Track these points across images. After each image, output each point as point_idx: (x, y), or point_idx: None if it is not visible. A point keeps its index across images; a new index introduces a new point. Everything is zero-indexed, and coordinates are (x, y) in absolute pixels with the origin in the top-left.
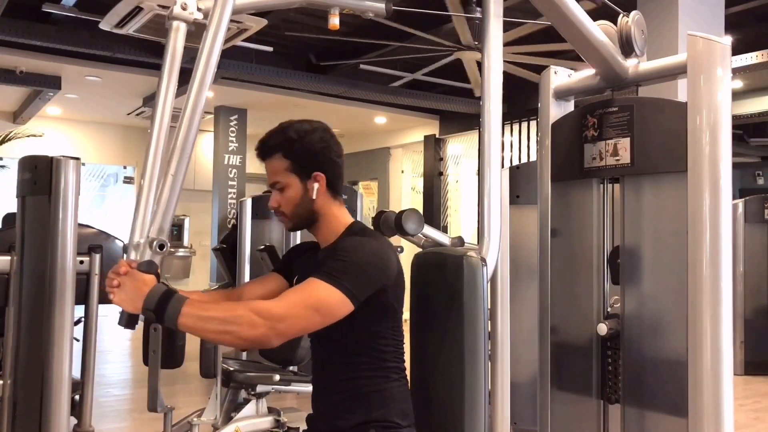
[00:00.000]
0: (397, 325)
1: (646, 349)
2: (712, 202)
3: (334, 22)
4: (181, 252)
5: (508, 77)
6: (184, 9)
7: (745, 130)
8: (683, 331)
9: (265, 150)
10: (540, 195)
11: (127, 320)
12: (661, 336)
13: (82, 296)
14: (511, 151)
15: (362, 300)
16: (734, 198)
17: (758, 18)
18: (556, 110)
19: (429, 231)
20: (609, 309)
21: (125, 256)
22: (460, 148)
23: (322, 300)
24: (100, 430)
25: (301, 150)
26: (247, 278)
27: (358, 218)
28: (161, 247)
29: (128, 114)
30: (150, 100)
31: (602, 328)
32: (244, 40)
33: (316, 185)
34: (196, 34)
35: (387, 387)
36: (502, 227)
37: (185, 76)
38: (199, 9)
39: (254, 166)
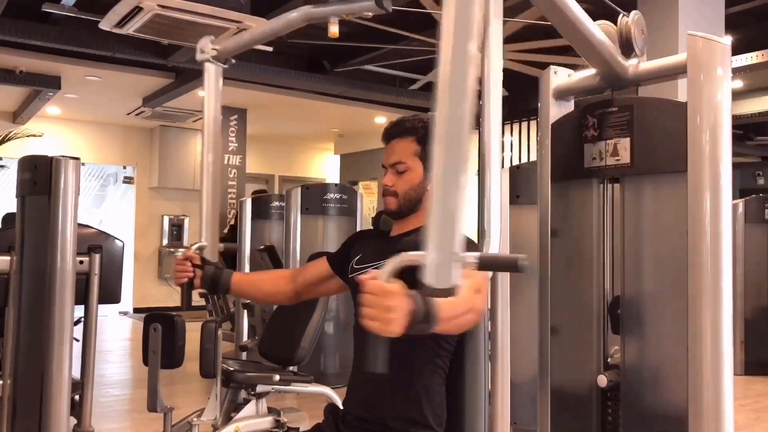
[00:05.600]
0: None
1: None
2: (712, 202)
3: (334, 30)
4: (180, 252)
5: (508, 77)
6: (203, 52)
7: (745, 130)
8: (683, 331)
9: (399, 130)
10: (540, 195)
11: (384, 352)
12: (662, 337)
13: (82, 296)
14: (511, 151)
15: None
16: (734, 198)
17: (758, 18)
18: (556, 110)
19: None
20: (609, 357)
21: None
22: None
23: (485, 278)
24: (100, 430)
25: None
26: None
27: (358, 218)
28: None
29: (128, 114)
30: (150, 100)
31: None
32: None
33: None
34: (195, 33)
35: (432, 388)
36: (502, 227)
37: (185, 75)
38: (214, 48)
39: (254, 166)
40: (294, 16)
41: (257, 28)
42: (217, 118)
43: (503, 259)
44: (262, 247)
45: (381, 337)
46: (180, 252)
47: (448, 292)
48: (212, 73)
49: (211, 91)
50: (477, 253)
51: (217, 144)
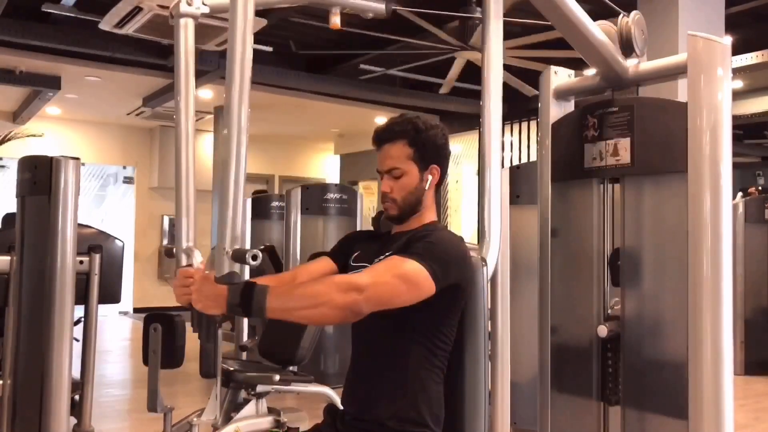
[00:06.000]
0: (453, 330)
1: (646, 351)
2: (712, 202)
3: (335, 21)
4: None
5: (520, 76)
6: (189, 5)
7: (745, 130)
8: (683, 333)
9: (390, 134)
10: (540, 195)
11: (207, 325)
12: (661, 338)
13: (82, 296)
14: (511, 151)
15: (443, 286)
16: (734, 198)
17: (758, 18)
18: (556, 110)
19: None
20: (609, 311)
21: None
22: (459, 148)
23: (409, 272)
24: (100, 430)
25: (427, 141)
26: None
27: (358, 218)
28: (254, 258)
29: (128, 114)
30: (150, 100)
31: (602, 330)
32: None
33: (430, 177)
34: (200, 33)
35: (429, 387)
36: (502, 227)
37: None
38: (204, 3)
39: (254, 166)
40: None
41: None
42: (194, 95)
43: (238, 252)
44: (262, 247)
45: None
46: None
47: (225, 279)
48: (190, 31)
49: (188, 56)
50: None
51: (193, 130)
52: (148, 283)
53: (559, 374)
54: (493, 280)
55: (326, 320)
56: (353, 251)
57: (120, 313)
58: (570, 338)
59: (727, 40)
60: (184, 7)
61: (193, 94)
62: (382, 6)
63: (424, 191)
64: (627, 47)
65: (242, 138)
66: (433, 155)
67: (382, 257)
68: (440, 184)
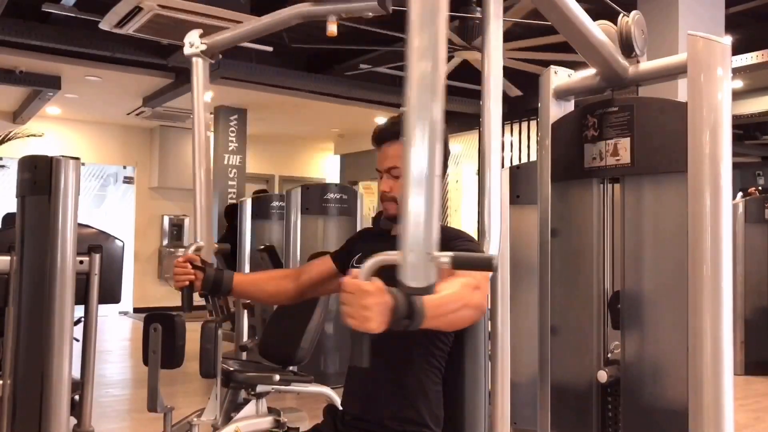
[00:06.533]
0: (452, 332)
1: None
2: (712, 202)
3: (332, 29)
4: (180, 252)
5: (507, 76)
6: (191, 46)
7: (745, 129)
8: (683, 329)
9: (390, 134)
10: (540, 195)
11: (367, 347)
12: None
13: (82, 296)
14: (511, 151)
15: None
16: (734, 198)
17: (758, 18)
18: (556, 110)
19: None
20: (609, 352)
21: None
22: (459, 148)
23: (485, 276)
24: (100, 430)
25: None
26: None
27: (358, 218)
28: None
29: (128, 114)
30: (150, 99)
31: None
32: None
33: None
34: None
35: (428, 387)
36: (502, 227)
37: (185, 75)
38: (204, 43)
39: (254, 166)
40: (289, 13)
41: (249, 24)
42: (206, 115)
43: (476, 259)
44: (262, 247)
45: (364, 333)
46: (180, 252)
47: (425, 291)
48: (200, 68)
49: (198, 87)
50: (450, 253)
51: (207, 141)
52: (148, 283)
53: (560, 368)
54: (493, 280)
55: (468, 322)
56: (355, 252)
57: (120, 313)
58: (571, 334)
59: (727, 40)
60: (186, 50)
61: (205, 122)
62: (374, 3)
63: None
64: (627, 47)
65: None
66: None
67: None
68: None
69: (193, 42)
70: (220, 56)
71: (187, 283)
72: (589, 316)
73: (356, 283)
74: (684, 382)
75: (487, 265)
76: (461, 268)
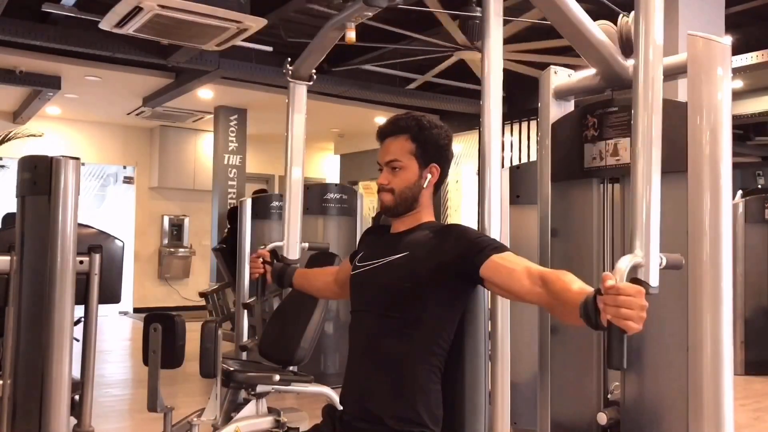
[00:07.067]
0: (452, 330)
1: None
2: (712, 202)
3: (351, 36)
4: (180, 252)
5: (507, 76)
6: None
7: (745, 129)
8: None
9: (394, 128)
10: (540, 195)
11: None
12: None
13: (82, 296)
14: (511, 151)
15: None
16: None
17: (758, 18)
18: (556, 110)
19: None
20: (609, 393)
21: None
22: (459, 147)
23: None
24: (100, 430)
25: (430, 139)
26: (247, 278)
27: (358, 218)
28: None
29: (128, 114)
30: (150, 99)
31: None
32: (244, 40)
33: (429, 176)
34: (195, 33)
35: (427, 386)
36: (502, 227)
37: (185, 75)
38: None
39: (254, 166)
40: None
41: (323, 40)
42: (301, 135)
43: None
44: (262, 247)
45: (623, 333)
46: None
47: (653, 290)
48: (297, 91)
49: (294, 109)
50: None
51: (300, 159)
52: (148, 283)
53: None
54: None
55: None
56: (359, 251)
57: (120, 313)
58: (571, 334)
59: (727, 40)
60: (288, 78)
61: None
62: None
63: (421, 188)
64: (627, 47)
65: None
66: (434, 154)
67: (383, 260)
68: (439, 185)
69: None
70: (314, 76)
71: (258, 275)
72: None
73: (636, 287)
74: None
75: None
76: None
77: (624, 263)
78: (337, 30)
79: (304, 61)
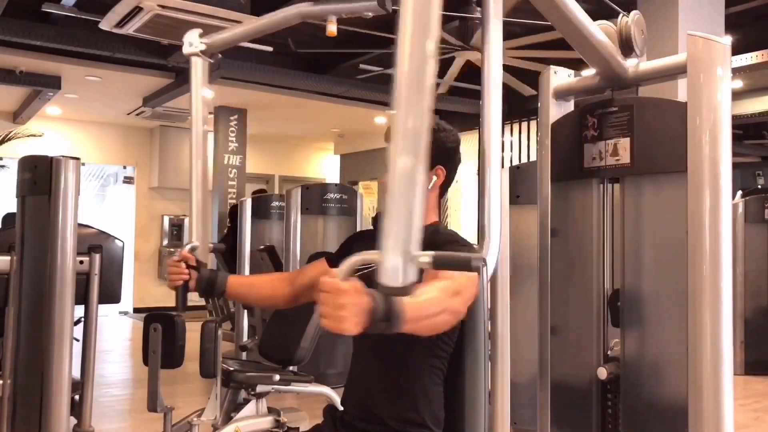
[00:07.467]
0: (455, 332)
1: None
2: (712, 202)
3: (332, 29)
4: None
5: (517, 76)
6: (191, 45)
7: (745, 129)
8: (683, 323)
9: None
10: (540, 195)
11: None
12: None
13: (82, 296)
14: (511, 151)
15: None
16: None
17: (758, 18)
18: (556, 110)
19: None
20: (609, 349)
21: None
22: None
23: (473, 276)
24: (100, 430)
25: (437, 141)
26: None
27: (358, 218)
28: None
29: (128, 114)
30: (150, 99)
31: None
32: None
33: (434, 178)
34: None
35: (429, 388)
36: (502, 227)
37: (185, 75)
38: (203, 42)
39: (254, 166)
40: (289, 13)
41: (249, 23)
42: (204, 114)
43: (456, 258)
44: (262, 247)
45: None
46: (177, 252)
47: (403, 291)
48: (199, 67)
49: (197, 87)
50: (432, 253)
51: (204, 141)
52: (148, 283)
53: (560, 366)
54: (493, 280)
55: (445, 327)
56: (350, 254)
57: (120, 313)
58: (571, 334)
59: (727, 40)
60: (186, 49)
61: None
62: (374, 3)
63: (425, 190)
64: (627, 47)
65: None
66: (440, 156)
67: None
68: (446, 187)
69: (192, 41)
70: (220, 56)
71: (181, 282)
72: (588, 314)
73: (332, 282)
74: (683, 379)
75: (466, 265)
76: (442, 268)
77: (349, 260)
78: (299, 18)
79: (225, 36)
